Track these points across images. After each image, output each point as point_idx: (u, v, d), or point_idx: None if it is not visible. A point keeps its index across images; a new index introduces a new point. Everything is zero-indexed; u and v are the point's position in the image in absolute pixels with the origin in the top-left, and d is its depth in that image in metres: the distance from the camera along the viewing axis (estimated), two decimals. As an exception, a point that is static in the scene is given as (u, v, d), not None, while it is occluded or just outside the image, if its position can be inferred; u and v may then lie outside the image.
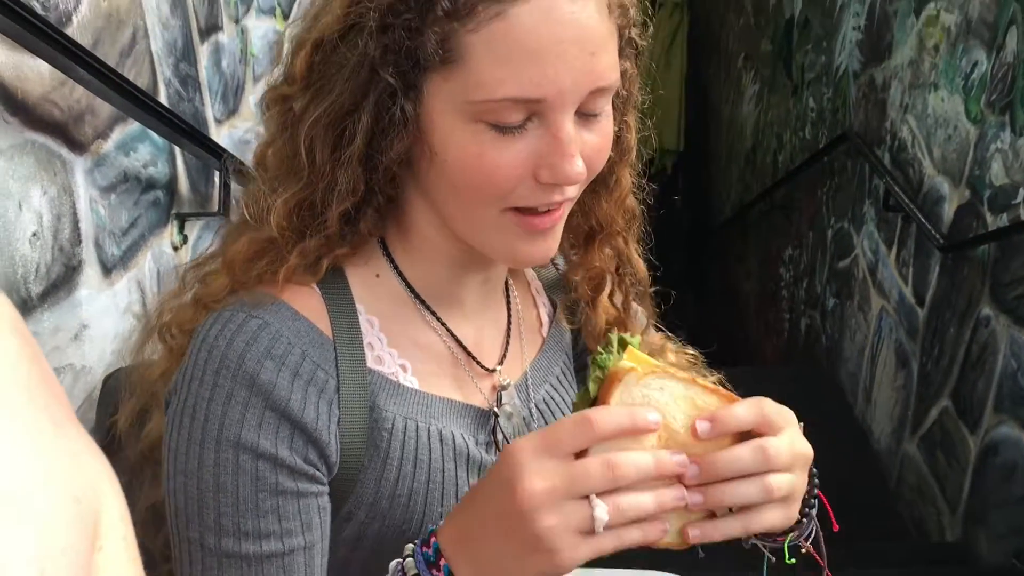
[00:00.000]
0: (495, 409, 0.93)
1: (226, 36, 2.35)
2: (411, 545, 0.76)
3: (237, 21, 2.46)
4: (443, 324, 0.90)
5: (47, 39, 1.27)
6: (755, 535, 0.81)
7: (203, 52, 2.17)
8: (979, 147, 2.93)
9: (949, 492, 3.03)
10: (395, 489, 0.85)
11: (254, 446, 0.76)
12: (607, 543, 0.69)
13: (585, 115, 0.77)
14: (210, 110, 2.23)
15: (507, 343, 0.98)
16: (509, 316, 1.00)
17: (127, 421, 0.93)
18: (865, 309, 3.86)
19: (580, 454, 0.69)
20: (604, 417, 0.68)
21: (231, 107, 2.40)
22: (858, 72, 4.09)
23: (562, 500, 0.67)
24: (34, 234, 1.34)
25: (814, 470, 0.84)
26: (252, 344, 0.77)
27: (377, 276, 0.88)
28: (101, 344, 1.55)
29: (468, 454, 0.89)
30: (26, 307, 1.32)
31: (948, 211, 3.14)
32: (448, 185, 0.78)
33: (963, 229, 3.03)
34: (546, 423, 0.99)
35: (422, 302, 0.89)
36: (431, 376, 0.90)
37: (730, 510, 0.75)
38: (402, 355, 0.88)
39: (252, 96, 2.59)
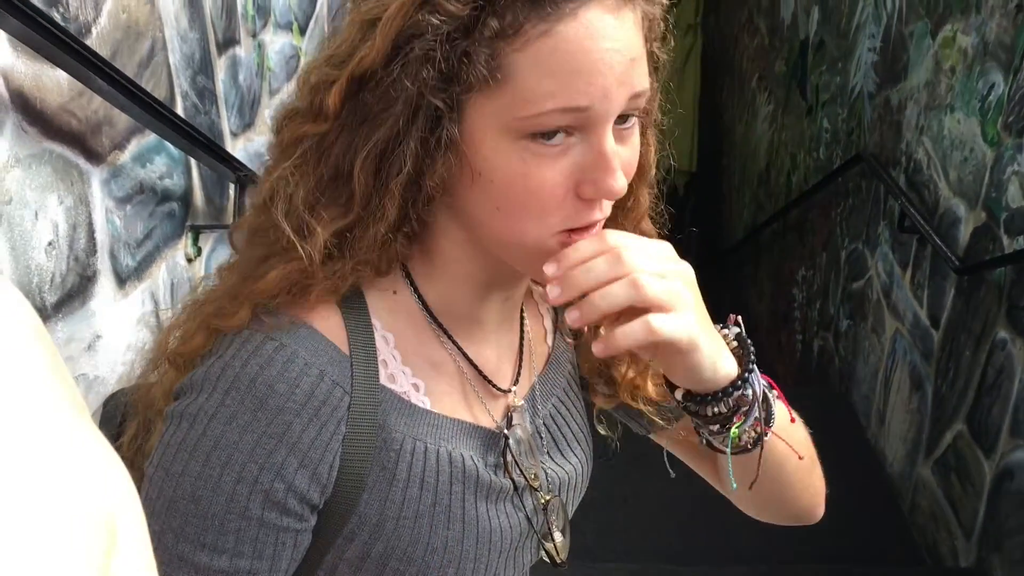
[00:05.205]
0: (505, 431, 0.92)
1: (243, 50, 2.36)
2: None
3: (254, 35, 2.48)
4: (456, 345, 0.90)
5: (67, 49, 1.28)
6: (700, 420, 0.85)
7: (220, 65, 2.18)
8: (995, 169, 2.92)
9: (964, 517, 3.00)
10: (401, 511, 0.84)
11: (240, 469, 0.77)
12: None
13: (618, 127, 0.79)
14: (226, 123, 2.24)
15: (520, 363, 0.97)
16: (522, 335, 0.99)
17: (131, 440, 0.93)
18: (879, 331, 3.83)
19: None
20: None
21: (247, 120, 2.41)
22: (873, 93, 4.09)
23: None
24: (50, 243, 1.34)
25: (742, 331, 0.88)
26: (265, 367, 0.78)
27: (394, 293, 0.87)
28: (113, 355, 1.55)
29: (477, 476, 0.89)
30: (41, 316, 1.32)
31: (964, 233, 3.12)
32: (491, 206, 0.79)
33: (979, 251, 3.01)
34: (553, 439, 0.99)
35: (437, 323, 0.89)
36: (443, 396, 0.89)
37: None
38: (416, 374, 0.87)
39: (268, 110, 2.60)
